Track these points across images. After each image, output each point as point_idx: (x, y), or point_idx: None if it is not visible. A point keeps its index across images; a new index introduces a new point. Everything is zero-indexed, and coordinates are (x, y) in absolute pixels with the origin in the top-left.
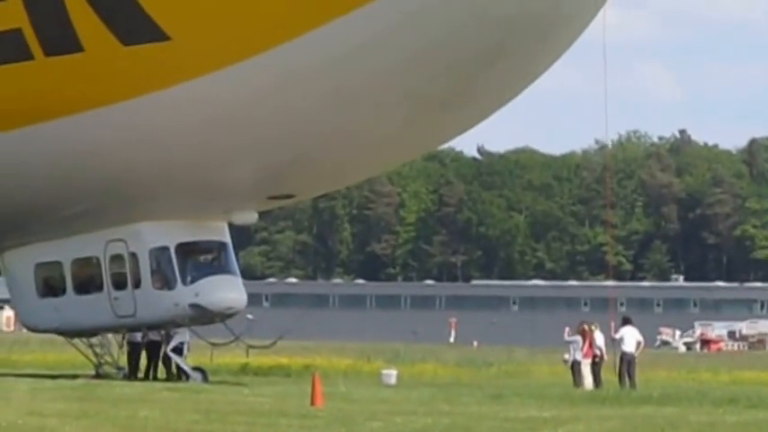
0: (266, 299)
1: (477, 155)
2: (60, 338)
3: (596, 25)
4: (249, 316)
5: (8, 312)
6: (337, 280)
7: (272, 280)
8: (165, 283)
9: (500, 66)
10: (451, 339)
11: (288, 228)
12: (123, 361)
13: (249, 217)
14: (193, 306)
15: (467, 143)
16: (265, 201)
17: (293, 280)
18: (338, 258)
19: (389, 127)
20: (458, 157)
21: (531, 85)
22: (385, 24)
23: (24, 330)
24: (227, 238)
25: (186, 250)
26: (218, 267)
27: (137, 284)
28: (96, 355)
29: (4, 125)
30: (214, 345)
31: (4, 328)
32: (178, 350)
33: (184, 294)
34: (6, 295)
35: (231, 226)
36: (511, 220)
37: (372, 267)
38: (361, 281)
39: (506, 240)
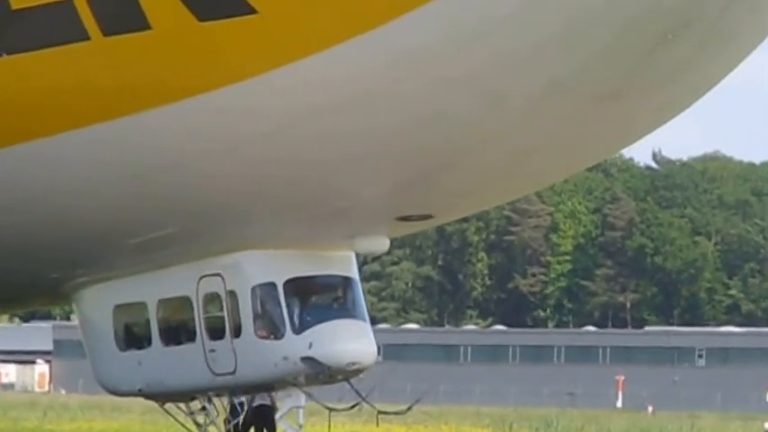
0: (378, 351)
1: (651, 163)
2: (109, 402)
3: None
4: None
5: (41, 368)
6: (470, 326)
7: (384, 326)
8: (272, 330)
9: (685, 44)
10: (619, 403)
11: (406, 258)
12: None
13: (377, 244)
14: (306, 360)
15: (638, 148)
16: (395, 223)
17: (413, 326)
18: (471, 298)
19: (544, 127)
20: (627, 165)
21: (728, 74)
22: None
23: (63, 391)
24: (353, 273)
25: (298, 288)
26: (340, 310)
27: (236, 332)
28: (198, 425)
29: (53, 126)
30: (333, 410)
31: (37, 388)
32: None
33: (295, 345)
34: (40, 346)
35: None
36: (696, 247)
37: (516, 310)
38: (500, 327)
39: (690, 274)
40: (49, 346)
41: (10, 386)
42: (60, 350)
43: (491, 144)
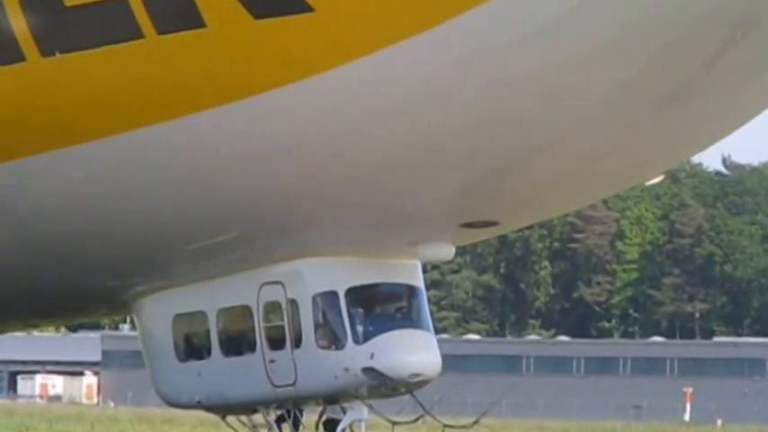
0: None
1: (721, 168)
2: (159, 415)
3: None
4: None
5: (89, 380)
6: (533, 336)
7: (445, 336)
8: (333, 340)
9: (755, 44)
10: (686, 416)
11: (466, 266)
12: None
13: (442, 251)
14: (368, 371)
15: (707, 153)
16: (460, 230)
17: (474, 336)
18: (534, 307)
19: (608, 130)
20: (695, 170)
21: None
22: None
23: (111, 403)
24: (418, 281)
25: (360, 296)
26: (403, 319)
27: (297, 342)
28: None
29: (106, 128)
30: (396, 424)
31: (85, 400)
32: None
33: (356, 356)
34: (88, 357)
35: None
36: (767, 255)
37: (580, 320)
38: (564, 338)
39: (760, 283)
40: (98, 357)
41: (57, 398)
42: (109, 361)
43: (554, 147)
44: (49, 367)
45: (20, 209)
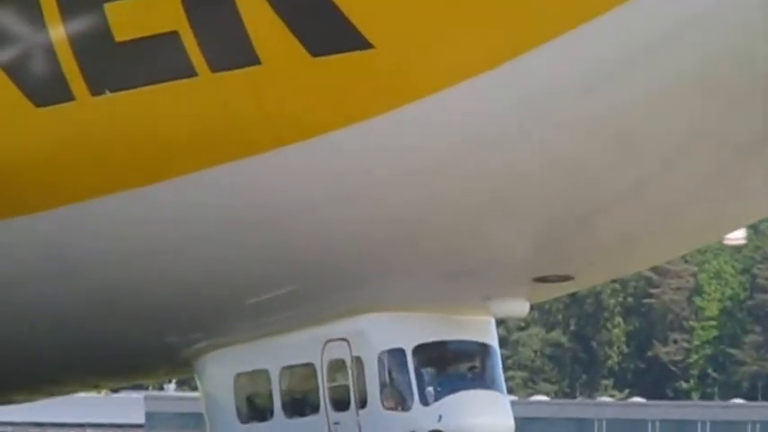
0: None
1: None
2: None
3: None
4: None
5: None
6: (605, 398)
7: (511, 397)
8: (399, 401)
9: None
10: None
11: (534, 322)
12: None
13: (516, 308)
14: None
15: None
16: (533, 284)
17: (542, 398)
18: (606, 367)
19: (687, 179)
20: None
21: None
22: (685, 13)
23: None
24: (491, 339)
25: (429, 354)
26: (474, 380)
27: (362, 403)
28: None
29: (159, 172)
30: None
31: None
32: None
33: (423, 418)
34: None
35: None
36: None
37: (655, 380)
38: (639, 399)
39: None
40: (141, 419)
41: None
42: (153, 423)
43: (630, 197)
44: (90, 430)
45: (78, 257)
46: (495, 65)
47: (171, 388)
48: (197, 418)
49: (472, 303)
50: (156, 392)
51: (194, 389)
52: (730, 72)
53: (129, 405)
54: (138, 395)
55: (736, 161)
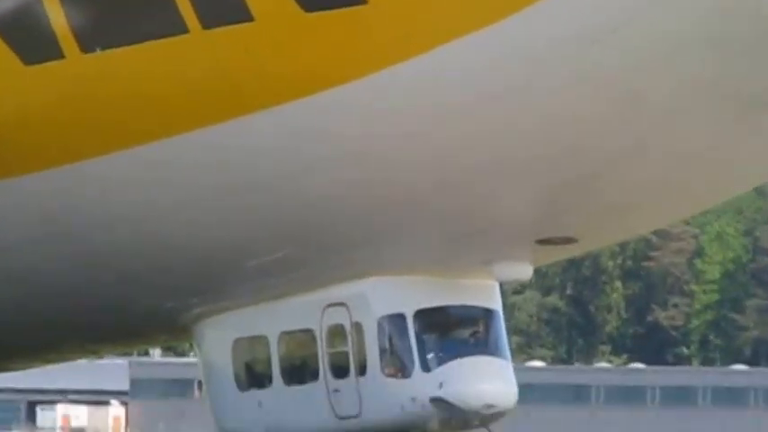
0: None
1: None
2: None
3: None
4: None
5: (116, 410)
6: (603, 364)
7: None
8: (400, 367)
9: None
10: None
11: (530, 286)
12: None
13: (519, 270)
14: (436, 402)
15: None
16: (536, 247)
17: (538, 363)
18: (604, 332)
19: (691, 136)
20: None
21: None
22: None
23: None
24: (494, 304)
25: (430, 320)
26: (477, 345)
27: (361, 370)
28: None
29: (151, 131)
30: None
31: None
32: None
33: (424, 385)
34: (114, 385)
35: None
36: None
37: (655, 346)
38: (638, 365)
39: None
40: (125, 386)
41: (80, 431)
42: (137, 390)
43: (635, 154)
44: (72, 396)
45: (74, 219)
46: (496, 19)
47: (156, 354)
48: (183, 384)
49: (475, 267)
50: (140, 358)
51: (180, 354)
52: (737, 24)
53: (112, 371)
54: (122, 361)
55: (741, 118)
